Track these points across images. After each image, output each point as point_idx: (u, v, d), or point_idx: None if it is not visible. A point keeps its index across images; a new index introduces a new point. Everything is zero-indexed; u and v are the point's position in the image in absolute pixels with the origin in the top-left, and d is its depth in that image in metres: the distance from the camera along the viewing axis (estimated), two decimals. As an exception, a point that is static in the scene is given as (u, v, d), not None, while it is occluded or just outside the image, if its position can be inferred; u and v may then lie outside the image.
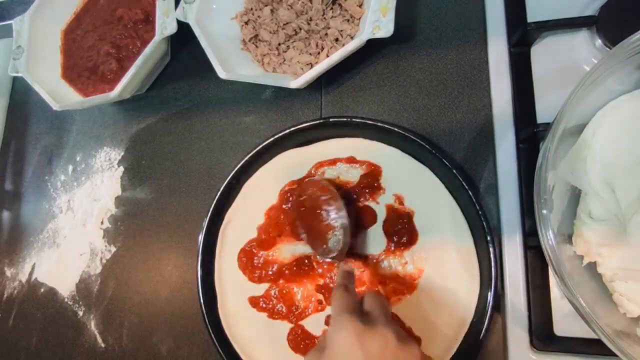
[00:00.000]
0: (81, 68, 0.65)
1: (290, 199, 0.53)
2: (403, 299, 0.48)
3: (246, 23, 0.59)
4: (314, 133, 0.54)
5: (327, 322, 0.50)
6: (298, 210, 0.52)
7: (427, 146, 0.49)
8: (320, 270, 0.51)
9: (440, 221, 0.49)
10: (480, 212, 0.46)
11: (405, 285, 0.48)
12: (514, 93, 0.50)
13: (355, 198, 0.52)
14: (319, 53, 0.55)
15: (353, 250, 0.51)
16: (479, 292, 0.46)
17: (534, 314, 0.44)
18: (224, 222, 0.55)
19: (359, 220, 0.51)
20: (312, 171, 0.54)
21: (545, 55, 0.49)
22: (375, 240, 0.51)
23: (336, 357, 0.33)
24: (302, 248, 0.52)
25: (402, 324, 0.47)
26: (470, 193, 0.46)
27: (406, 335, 0.35)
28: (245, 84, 0.61)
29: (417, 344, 0.34)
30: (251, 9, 0.59)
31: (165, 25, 0.57)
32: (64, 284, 0.64)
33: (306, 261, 0.52)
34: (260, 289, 0.53)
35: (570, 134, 0.41)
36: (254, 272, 0.53)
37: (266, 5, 0.58)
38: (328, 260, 0.50)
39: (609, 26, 0.46)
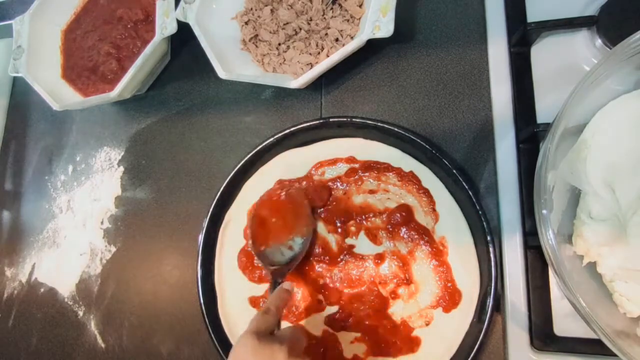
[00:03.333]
0: (81, 68, 0.65)
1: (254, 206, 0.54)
2: (402, 299, 0.48)
3: (246, 23, 0.59)
4: (314, 133, 0.54)
5: (326, 322, 0.50)
6: (265, 203, 0.51)
7: (427, 146, 0.49)
8: (320, 270, 0.51)
9: (440, 221, 0.49)
10: (480, 212, 0.46)
11: (404, 285, 0.48)
12: (514, 93, 0.50)
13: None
14: (319, 53, 0.55)
15: (352, 250, 0.51)
16: (479, 292, 0.46)
17: (534, 314, 0.44)
18: (224, 222, 0.55)
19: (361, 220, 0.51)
20: (312, 171, 0.54)
21: (545, 55, 0.49)
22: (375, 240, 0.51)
23: None
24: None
25: (401, 324, 0.48)
26: (470, 193, 0.46)
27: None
28: (245, 84, 0.61)
29: None
30: (251, 9, 0.59)
31: (165, 25, 0.57)
32: (64, 284, 0.64)
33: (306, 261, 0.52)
34: (260, 289, 0.53)
35: (570, 134, 0.40)
36: (254, 272, 0.53)
37: (266, 5, 0.58)
38: (268, 269, 0.48)
39: (609, 26, 0.46)
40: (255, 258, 0.53)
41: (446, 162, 0.48)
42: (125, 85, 0.58)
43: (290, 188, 0.52)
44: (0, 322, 0.66)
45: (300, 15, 0.56)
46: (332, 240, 0.52)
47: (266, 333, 0.39)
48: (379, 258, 0.50)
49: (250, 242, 0.50)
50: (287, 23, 0.56)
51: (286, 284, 0.46)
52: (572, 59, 0.48)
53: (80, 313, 0.62)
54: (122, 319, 0.60)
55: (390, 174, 0.51)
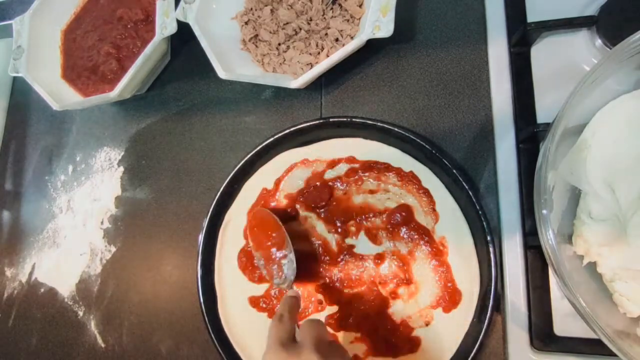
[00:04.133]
0: (81, 68, 0.65)
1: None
2: (402, 299, 0.48)
3: (246, 23, 0.59)
4: (314, 133, 0.54)
5: (326, 322, 0.50)
6: (254, 247, 0.51)
7: (427, 146, 0.49)
8: (320, 270, 0.51)
9: (440, 221, 0.49)
10: (480, 212, 0.46)
11: (404, 285, 0.48)
12: (514, 93, 0.50)
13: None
14: (319, 53, 0.55)
15: (352, 250, 0.51)
16: (479, 292, 0.46)
17: (534, 314, 0.44)
18: (224, 222, 0.55)
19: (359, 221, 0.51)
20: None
21: (545, 55, 0.49)
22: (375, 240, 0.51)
23: None
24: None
25: (401, 324, 0.48)
26: (470, 193, 0.46)
27: (335, 352, 0.37)
28: (245, 84, 0.61)
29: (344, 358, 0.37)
30: (251, 9, 0.59)
31: (165, 25, 0.57)
32: (64, 284, 0.64)
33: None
34: (260, 289, 0.53)
35: (570, 134, 0.40)
36: (254, 272, 0.53)
37: (266, 5, 0.58)
38: (282, 288, 0.49)
39: (609, 26, 0.46)
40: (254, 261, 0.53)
41: (446, 162, 0.48)
42: (125, 85, 0.58)
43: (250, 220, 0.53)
44: (0, 322, 0.66)
45: (300, 15, 0.56)
46: (332, 240, 0.52)
47: (289, 341, 0.38)
48: (379, 258, 0.50)
49: (261, 263, 0.51)
50: (287, 23, 0.56)
51: (290, 292, 0.46)
52: (572, 59, 0.48)
53: (80, 313, 0.62)
54: (122, 318, 0.60)
55: (390, 174, 0.51)
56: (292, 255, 0.48)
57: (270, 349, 0.37)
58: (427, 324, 0.47)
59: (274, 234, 0.50)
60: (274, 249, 0.49)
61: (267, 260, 0.50)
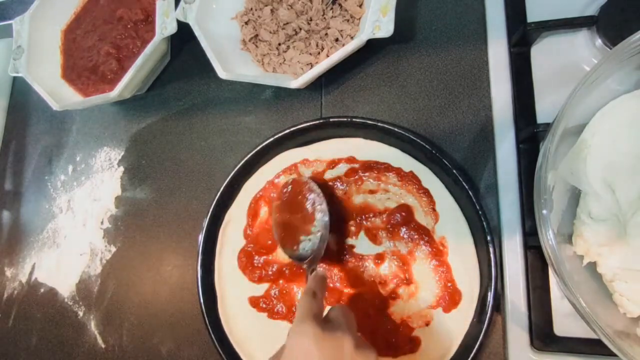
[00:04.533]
0: (81, 68, 0.65)
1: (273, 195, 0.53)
2: (402, 299, 0.48)
3: (246, 23, 0.59)
4: (314, 133, 0.54)
5: (327, 322, 0.50)
6: (278, 207, 0.51)
7: (427, 146, 0.49)
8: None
9: (440, 221, 0.49)
10: (480, 212, 0.46)
11: (404, 285, 0.48)
12: (514, 93, 0.50)
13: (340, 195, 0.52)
14: (319, 53, 0.55)
15: (352, 250, 0.51)
16: (479, 292, 0.46)
17: (534, 314, 0.44)
18: (224, 222, 0.55)
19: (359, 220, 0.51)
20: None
21: (545, 55, 0.49)
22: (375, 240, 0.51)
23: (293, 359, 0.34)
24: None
25: (401, 324, 0.48)
26: (470, 193, 0.46)
27: (365, 344, 0.36)
28: (245, 84, 0.61)
29: (374, 352, 0.36)
30: (251, 9, 0.59)
31: (165, 25, 0.57)
32: (64, 284, 0.64)
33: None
34: (260, 289, 0.53)
35: (570, 134, 0.40)
36: (254, 272, 0.53)
37: (266, 5, 0.58)
38: (302, 265, 0.48)
39: (609, 26, 0.46)
40: (254, 259, 0.53)
41: (446, 162, 0.48)
42: (125, 85, 0.58)
43: (290, 182, 0.52)
44: (0, 322, 0.66)
45: (300, 15, 0.56)
46: (332, 240, 0.52)
47: (320, 317, 0.36)
48: (379, 258, 0.50)
49: (280, 249, 0.50)
50: (287, 23, 0.56)
51: (320, 271, 0.45)
52: (572, 59, 0.48)
53: (80, 313, 0.62)
54: (122, 319, 0.60)
55: (390, 174, 0.51)
56: (324, 231, 0.46)
57: (303, 321, 0.35)
58: (427, 324, 0.47)
59: (314, 203, 0.48)
60: (310, 216, 0.47)
61: (288, 232, 0.48)
